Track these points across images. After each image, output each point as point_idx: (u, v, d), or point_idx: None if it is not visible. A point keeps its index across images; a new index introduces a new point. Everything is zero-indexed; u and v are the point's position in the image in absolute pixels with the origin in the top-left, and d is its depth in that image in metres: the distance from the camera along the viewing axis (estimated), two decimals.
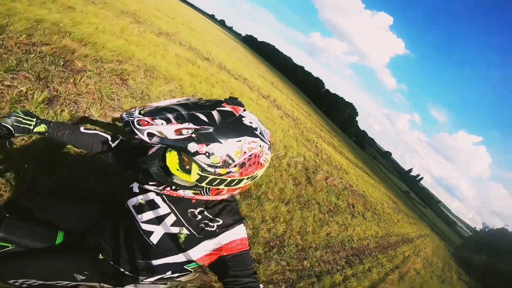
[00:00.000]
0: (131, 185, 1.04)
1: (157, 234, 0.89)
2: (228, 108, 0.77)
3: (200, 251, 0.88)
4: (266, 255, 2.71)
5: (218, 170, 0.76)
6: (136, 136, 0.71)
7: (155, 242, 0.89)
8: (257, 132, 0.78)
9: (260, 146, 0.78)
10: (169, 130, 0.71)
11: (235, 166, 0.76)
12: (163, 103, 0.78)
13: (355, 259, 4.51)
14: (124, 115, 0.75)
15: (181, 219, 0.90)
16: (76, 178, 1.76)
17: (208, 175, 0.77)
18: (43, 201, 1.17)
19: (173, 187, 0.86)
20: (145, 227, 0.91)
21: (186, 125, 0.71)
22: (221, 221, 0.89)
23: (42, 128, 1.07)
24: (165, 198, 0.94)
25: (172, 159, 0.81)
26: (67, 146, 1.86)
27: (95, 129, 1.18)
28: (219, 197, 0.90)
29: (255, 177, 0.84)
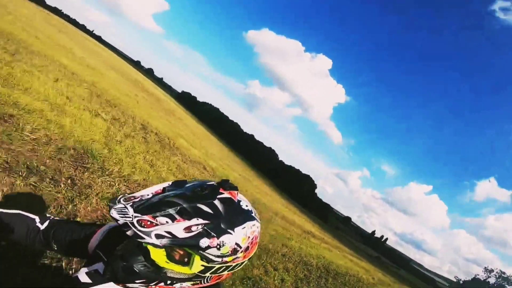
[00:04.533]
0: (76, 274, 0.91)
1: None
2: (226, 194, 0.75)
3: None
4: None
5: (225, 259, 0.74)
6: (142, 240, 0.65)
7: None
8: (253, 214, 0.79)
9: (257, 227, 0.79)
10: (177, 229, 0.66)
11: (241, 252, 0.75)
12: (147, 191, 0.74)
13: None
14: (116, 215, 0.66)
15: None
16: None
17: (214, 265, 0.74)
18: None
19: (168, 282, 0.78)
20: None
21: (194, 221, 0.68)
22: None
23: None
24: None
25: (158, 253, 0.74)
26: None
27: (15, 209, 1.04)
28: (212, 282, 0.84)
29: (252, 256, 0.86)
